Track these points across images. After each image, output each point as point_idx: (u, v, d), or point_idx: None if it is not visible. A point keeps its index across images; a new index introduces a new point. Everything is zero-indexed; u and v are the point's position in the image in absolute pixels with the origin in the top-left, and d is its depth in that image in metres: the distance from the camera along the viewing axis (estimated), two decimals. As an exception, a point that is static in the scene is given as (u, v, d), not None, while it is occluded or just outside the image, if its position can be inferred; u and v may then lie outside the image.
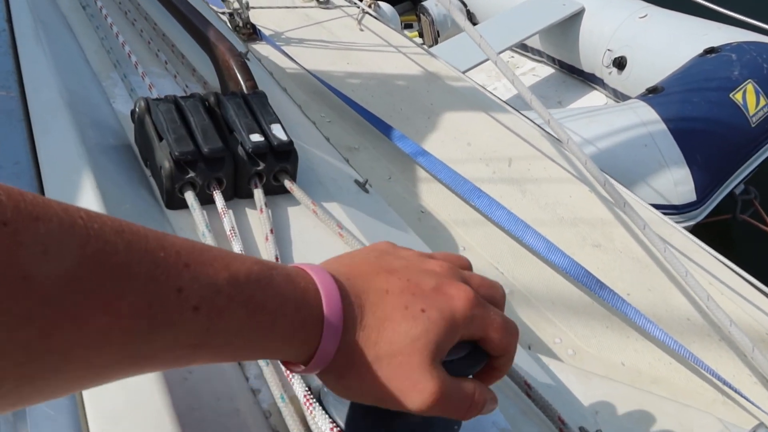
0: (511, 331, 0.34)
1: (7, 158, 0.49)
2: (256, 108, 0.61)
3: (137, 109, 0.59)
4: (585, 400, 0.59)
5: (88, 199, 0.45)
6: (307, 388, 0.39)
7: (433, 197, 1.08)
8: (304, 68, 1.30)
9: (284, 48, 1.38)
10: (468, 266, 0.37)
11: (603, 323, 0.89)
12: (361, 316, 0.30)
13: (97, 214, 0.23)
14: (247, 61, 0.76)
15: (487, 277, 0.36)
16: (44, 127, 0.53)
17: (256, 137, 0.58)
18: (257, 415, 0.40)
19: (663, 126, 1.61)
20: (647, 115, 1.65)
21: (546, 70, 2.94)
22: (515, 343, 0.34)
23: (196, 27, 0.80)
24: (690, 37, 2.14)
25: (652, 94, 1.79)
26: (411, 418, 0.37)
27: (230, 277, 0.26)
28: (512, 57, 3.04)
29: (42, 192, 0.47)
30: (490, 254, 0.98)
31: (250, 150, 0.57)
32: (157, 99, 0.59)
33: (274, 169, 0.59)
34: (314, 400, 0.37)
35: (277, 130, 0.60)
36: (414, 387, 0.30)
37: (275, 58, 1.36)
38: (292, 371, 0.32)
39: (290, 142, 0.59)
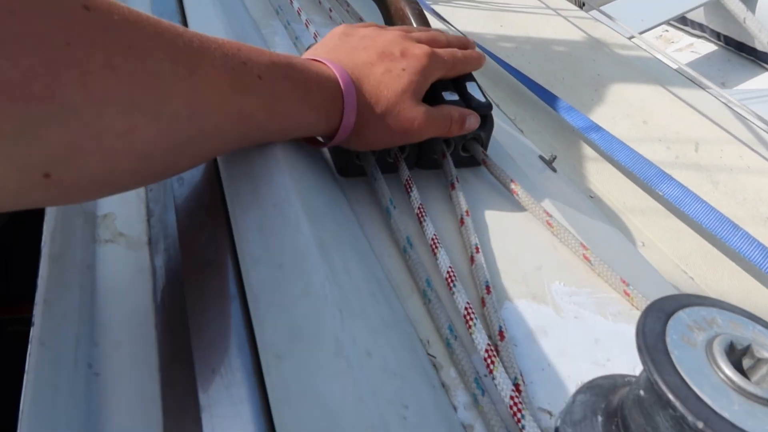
0: (466, 59, 0.48)
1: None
2: (447, 61, 0.50)
3: (310, 56, 0.50)
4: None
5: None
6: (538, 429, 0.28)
7: (604, 180, 0.93)
8: (455, 28, 1.18)
9: (433, 7, 1.26)
10: (441, 40, 0.48)
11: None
12: (361, 86, 0.40)
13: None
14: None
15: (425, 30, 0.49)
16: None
17: (450, 96, 0.47)
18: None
19: None
20: None
21: (707, 47, 2.61)
22: (472, 66, 0.49)
23: (363, -30, 0.71)
24: None
25: None
26: None
27: (270, 59, 0.35)
28: (666, 31, 2.72)
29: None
30: (674, 253, 0.82)
31: (443, 110, 0.46)
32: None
33: (467, 136, 0.48)
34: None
35: (473, 90, 0.49)
36: (412, 122, 0.42)
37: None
38: (316, 147, 0.44)
39: (489, 105, 0.48)
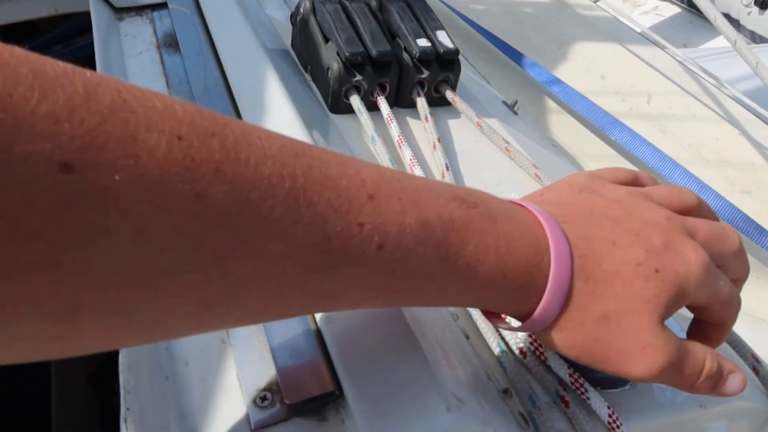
0: (735, 304, 0.31)
1: (188, 50, 0.49)
2: (420, 13, 0.58)
3: (302, 10, 0.58)
4: (755, 346, 0.55)
5: (275, 91, 0.45)
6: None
7: (564, 130, 1.02)
8: (429, -8, 1.25)
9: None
10: (692, 204, 0.32)
11: (753, 273, 0.82)
12: (585, 267, 0.27)
13: (276, 134, 0.22)
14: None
15: (715, 221, 0.32)
16: (220, 22, 0.53)
17: (423, 42, 0.55)
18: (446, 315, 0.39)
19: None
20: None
21: (670, 9, 2.70)
22: (736, 316, 0.31)
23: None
24: None
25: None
26: None
27: (420, 215, 0.24)
28: (631, -6, 2.81)
29: (227, 83, 0.47)
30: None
31: (417, 55, 0.54)
32: (322, 0, 0.58)
33: (438, 78, 0.56)
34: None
35: (442, 37, 0.57)
36: (643, 349, 0.27)
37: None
38: (499, 326, 0.30)
39: (456, 50, 0.56)
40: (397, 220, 0.23)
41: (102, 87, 0.18)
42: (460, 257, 0.25)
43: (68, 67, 0.17)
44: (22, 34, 0.66)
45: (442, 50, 0.55)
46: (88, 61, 0.53)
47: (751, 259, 0.85)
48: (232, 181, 0.19)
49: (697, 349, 0.29)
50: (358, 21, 0.55)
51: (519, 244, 0.26)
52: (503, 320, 0.30)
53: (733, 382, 0.31)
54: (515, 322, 0.30)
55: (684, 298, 0.29)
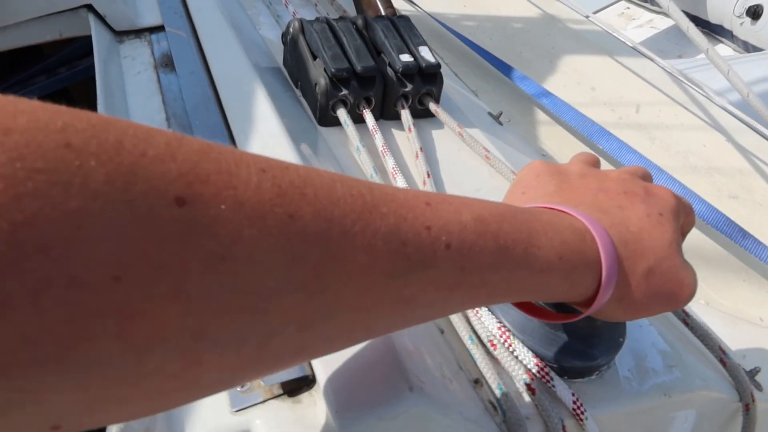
0: (691, 209, 0.37)
1: (183, 69, 0.53)
2: (404, 30, 0.62)
3: (291, 30, 0.61)
4: (730, 343, 0.57)
5: (264, 108, 0.47)
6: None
7: (555, 141, 1.05)
8: (422, 9, 1.28)
9: (402, -11, 1.37)
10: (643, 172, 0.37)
11: (740, 276, 0.84)
12: (619, 234, 0.30)
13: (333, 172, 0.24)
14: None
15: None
16: (213, 43, 0.56)
17: (406, 58, 0.58)
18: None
19: (810, 77, 1.46)
20: (790, 65, 1.50)
21: (665, 22, 2.74)
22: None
23: (334, -43, 0.81)
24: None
25: (796, 43, 1.62)
26: (579, 325, 0.37)
27: (472, 213, 0.26)
28: (627, 8, 2.85)
29: (218, 99, 0.50)
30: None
31: (400, 70, 0.58)
32: (310, 20, 0.61)
33: (421, 90, 0.59)
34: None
35: (425, 52, 0.60)
36: (682, 284, 0.32)
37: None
38: (560, 322, 0.33)
39: (438, 65, 0.59)
40: (455, 219, 0.25)
41: (185, 138, 0.19)
42: (517, 245, 0.27)
43: (147, 126, 0.19)
44: (28, 57, 0.69)
45: (424, 64, 0.58)
46: (91, 82, 0.56)
47: (735, 261, 0.87)
48: (316, 201, 0.21)
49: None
50: (344, 39, 0.59)
51: (561, 228, 0.29)
52: (564, 316, 0.33)
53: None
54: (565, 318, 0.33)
55: (679, 223, 0.34)
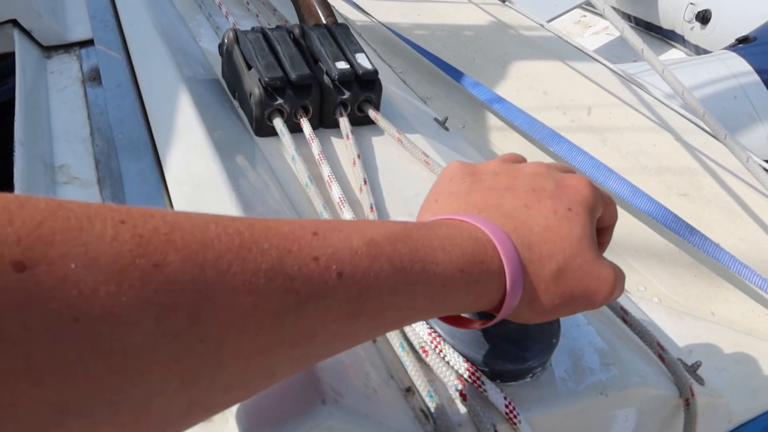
0: (611, 201, 0.35)
1: (110, 82, 0.51)
2: (341, 38, 0.61)
3: (226, 41, 0.60)
4: (677, 338, 0.57)
5: (189, 117, 0.46)
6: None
7: (509, 145, 1.05)
8: (375, 19, 1.29)
9: (354, 0, 1.37)
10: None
11: (691, 272, 0.85)
12: (522, 237, 0.30)
13: (210, 213, 0.23)
14: (326, -2, 0.75)
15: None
16: (143, 55, 0.55)
17: (342, 65, 0.58)
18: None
19: (755, 77, 1.50)
20: (737, 66, 1.55)
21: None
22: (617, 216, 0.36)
23: (276, -32, 0.81)
24: (785, -16, 1.98)
25: (742, 44, 1.67)
26: (511, 327, 0.36)
27: (364, 237, 0.25)
28: (584, 16, 2.91)
29: (145, 112, 0.48)
30: (568, 202, 0.96)
31: (336, 77, 0.57)
32: (245, 30, 0.60)
33: (359, 98, 0.59)
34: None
35: (362, 59, 0.59)
36: (599, 281, 0.31)
37: (344, 10, 1.36)
38: (472, 328, 0.32)
39: (375, 71, 0.59)
40: (346, 246, 0.24)
41: (32, 198, 0.19)
42: (415, 263, 0.26)
43: None
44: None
45: (361, 71, 0.58)
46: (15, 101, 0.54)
47: (686, 258, 0.88)
48: (185, 246, 0.20)
49: (612, 262, 0.33)
50: (278, 48, 0.58)
51: (460, 240, 0.28)
52: (473, 322, 0.33)
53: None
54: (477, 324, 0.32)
55: (595, 216, 0.32)
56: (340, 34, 0.61)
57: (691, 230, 0.80)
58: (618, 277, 0.32)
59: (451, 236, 0.28)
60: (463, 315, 0.33)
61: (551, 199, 0.31)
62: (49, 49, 0.58)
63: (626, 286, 0.88)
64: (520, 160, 0.37)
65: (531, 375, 0.38)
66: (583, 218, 0.31)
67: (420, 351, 0.37)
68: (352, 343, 0.26)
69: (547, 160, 1.01)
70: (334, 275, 0.23)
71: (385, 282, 0.25)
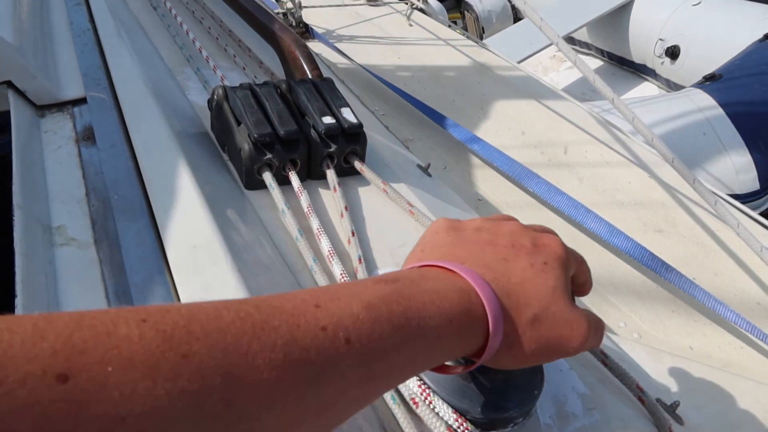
0: (584, 260, 0.38)
1: (104, 142, 0.53)
2: (326, 93, 0.64)
3: (215, 97, 0.62)
4: (656, 377, 0.59)
5: (182, 176, 0.48)
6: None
7: (489, 184, 1.08)
8: (357, 63, 1.32)
9: (336, 45, 1.41)
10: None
11: (669, 307, 0.88)
12: (502, 287, 0.32)
13: (217, 300, 0.25)
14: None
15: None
16: (135, 114, 0.57)
17: (328, 119, 0.60)
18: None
19: (722, 112, 1.57)
20: (704, 102, 1.61)
21: (594, 63, 2.89)
22: (590, 273, 0.39)
23: (261, 22, 0.84)
24: (748, 23, 2.07)
25: (709, 82, 1.75)
26: (494, 378, 0.38)
27: (362, 302, 0.27)
28: (558, 51, 3.00)
29: (139, 172, 0.50)
30: (549, 240, 0.98)
31: (323, 132, 0.59)
32: (233, 87, 0.62)
33: (345, 150, 0.61)
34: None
35: (347, 114, 0.62)
36: (572, 329, 0.33)
37: (328, 55, 1.39)
38: (453, 374, 0.34)
39: (360, 125, 0.61)
40: (347, 313, 0.26)
41: (54, 314, 0.20)
42: (411, 321, 0.28)
43: (9, 315, 0.19)
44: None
45: (346, 125, 0.60)
46: (11, 157, 0.56)
47: (664, 293, 0.90)
48: (206, 335, 0.21)
49: (588, 311, 0.35)
50: (266, 104, 0.60)
51: (446, 293, 0.30)
52: (456, 368, 0.34)
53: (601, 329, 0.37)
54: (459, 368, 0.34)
55: (569, 272, 0.35)
56: (325, 89, 0.64)
57: (667, 267, 0.83)
58: (591, 327, 0.34)
59: (438, 289, 0.30)
60: (446, 363, 0.35)
61: (528, 255, 0.34)
62: (43, 108, 0.60)
63: (607, 322, 0.90)
64: (503, 219, 0.40)
65: (513, 424, 0.40)
66: (557, 271, 0.33)
67: (411, 402, 0.39)
68: (366, 405, 0.27)
69: (526, 197, 1.05)
70: (343, 341, 0.25)
71: (388, 342, 0.27)
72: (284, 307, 0.25)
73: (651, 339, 0.83)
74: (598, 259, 0.94)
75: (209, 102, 0.65)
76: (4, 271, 0.38)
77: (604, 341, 0.59)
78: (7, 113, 0.59)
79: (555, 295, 0.33)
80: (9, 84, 0.58)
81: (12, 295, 0.36)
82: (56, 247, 0.42)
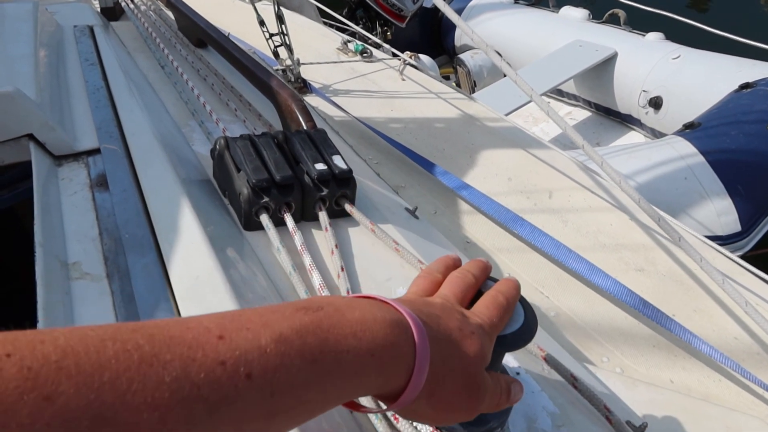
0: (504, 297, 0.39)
1: (116, 187, 0.58)
2: (319, 142, 0.70)
3: (217, 147, 0.68)
4: (631, 404, 0.63)
5: (186, 218, 0.53)
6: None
7: (478, 228, 1.13)
8: (352, 116, 1.40)
9: (333, 99, 1.49)
10: (455, 265, 0.41)
11: (650, 342, 0.91)
12: (432, 331, 0.32)
13: (107, 324, 0.23)
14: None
15: (460, 278, 0.39)
16: (144, 163, 0.62)
17: (320, 166, 0.66)
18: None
19: (702, 159, 1.64)
20: (685, 149, 1.68)
21: (582, 114, 3.00)
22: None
23: (260, 78, 0.91)
24: (725, 75, 2.17)
25: (689, 130, 1.83)
26: None
27: (273, 333, 0.25)
28: (548, 102, 3.11)
29: (148, 214, 0.55)
30: (534, 279, 1.03)
31: (315, 177, 0.65)
32: (234, 137, 0.68)
33: (336, 194, 0.67)
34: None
35: (338, 160, 0.68)
36: (479, 391, 0.34)
37: (325, 108, 1.47)
38: (369, 413, 0.36)
39: (350, 170, 0.67)
40: (254, 346, 0.24)
41: None
42: (326, 354, 0.27)
43: None
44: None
45: (337, 171, 0.66)
46: (30, 202, 0.61)
47: (644, 329, 0.94)
48: (78, 372, 0.19)
49: (498, 378, 0.37)
50: (264, 152, 0.66)
51: (371, 324, 0.29)
52: (368, 408, 0.34)
53: (515, 389, 0.38)
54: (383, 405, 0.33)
55: (491, 343, 0.36)
56: (318, 139, 0.70)
57: (645, 303, 0.87)
58: (493, 391, 0.35)
59: (363, 320, 0.29)
60: (357, 401, 0.34)
61: (458, 321, 0.34)
62: (60, 158, 0.65)
63: (590, 356, 0.93)
64: (452, 264, 0.41)
65: None
66: (482, 341, 0.34)
67: (392, 418, 0.43)
68: None
69: (513, 241, 1.10)
70: (243, 377, 0.24)
71: (297, 377, 0.25)
72: (183, 337, 0.23)
73: (633, 372, 0.86)
74: (582, 297, 0.98)
75: (212, 151, 0.71)
76: (30, 300, 0.43)
77: (579, 368, 0.63)
78: (29, 163, 0.64)
79: (476, 359, 0.33)
80: (30, 137, 0.64)
81: (34, 321, 0.40)
82: (72, 280, 0.47)
